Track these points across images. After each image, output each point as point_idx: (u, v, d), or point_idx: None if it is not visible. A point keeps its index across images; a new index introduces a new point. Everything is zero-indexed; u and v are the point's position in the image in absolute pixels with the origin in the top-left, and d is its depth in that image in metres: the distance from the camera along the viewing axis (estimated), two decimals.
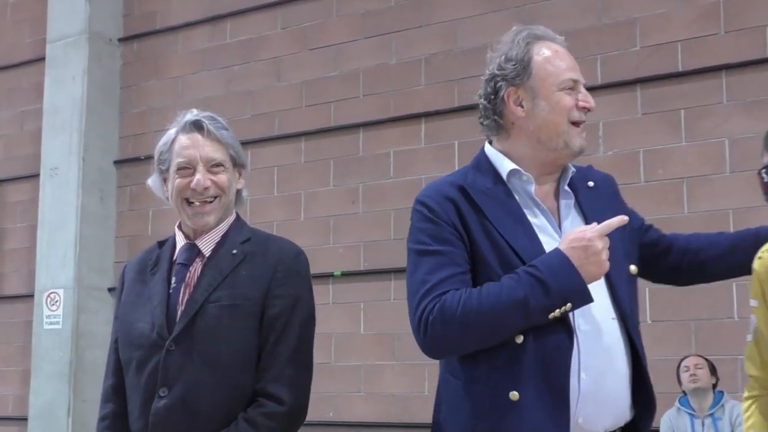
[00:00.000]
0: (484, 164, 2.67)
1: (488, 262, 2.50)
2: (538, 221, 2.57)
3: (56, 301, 7.29)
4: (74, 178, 7.34)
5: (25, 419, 7.35)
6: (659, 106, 5.58)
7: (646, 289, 5.34)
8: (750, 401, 2.68)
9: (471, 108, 5.80)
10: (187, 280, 2.73)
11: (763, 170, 2.55)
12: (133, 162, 7.49)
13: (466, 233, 2.53)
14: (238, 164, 2.83)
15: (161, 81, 7.48)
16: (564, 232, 2.53)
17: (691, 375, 5.19)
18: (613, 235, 2.52)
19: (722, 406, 5.14)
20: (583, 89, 2.58)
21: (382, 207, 6.18)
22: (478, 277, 2.51)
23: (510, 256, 2.48)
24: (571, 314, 2.43)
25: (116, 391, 2.78)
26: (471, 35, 6.00)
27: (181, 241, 2.82)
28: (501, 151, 2.64)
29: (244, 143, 7.02)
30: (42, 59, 7.77)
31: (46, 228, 7.42)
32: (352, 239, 6.30)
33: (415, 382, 5.87)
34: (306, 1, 6.86)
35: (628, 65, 5.67)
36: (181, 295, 2.71)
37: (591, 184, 2.68)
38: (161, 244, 2.90)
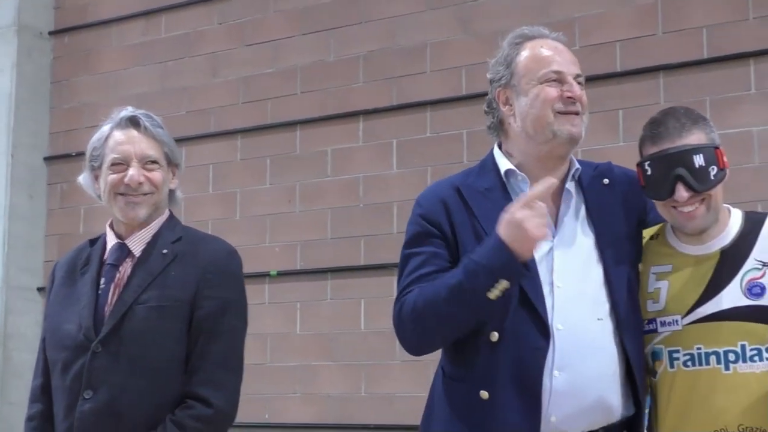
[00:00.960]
0: (488, 164, 2.74)
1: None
2: None
3: None
4: (2, 175, 7.23)
5: None
6: (598, 105, 5.61)
7: None
8: None
9: (409, 106, 5.83)
10: (116, 280, 2.73)
11: (646, 163, 2.62)
12: (64, 159, 7.38)
13: (453, 233, 2.59)
14: (172, 163, 2.82)
15: (93, 76, 7.38)
16: (561, 234, 2.55)
17: None
18: (615, 232, 2.54)
19: None
20: (570, 80, 2.62)
21: (320, 206, 6.17)
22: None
23: None
24: (549, 314, 2.45)
25: (44, 391, 2.78)
26: (409, 33, 6.00)
27: (111, 240, 2.82)
28: (504, 152, 2.69)
29: (179, 140, 6.94)
30: None
31: None
32: (289, 238, 6.27)
33: (351, 383, 5.86)
34: None
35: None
36: (110, 296, 2.71)
37: (606, 181, 2.70)
38: (92, 242, 2.90)
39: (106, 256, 2.81)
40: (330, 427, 5.88)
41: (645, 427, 2.68)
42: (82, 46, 7.49)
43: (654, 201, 2.68)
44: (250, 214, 6.53)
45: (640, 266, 2.72)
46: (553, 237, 2.59)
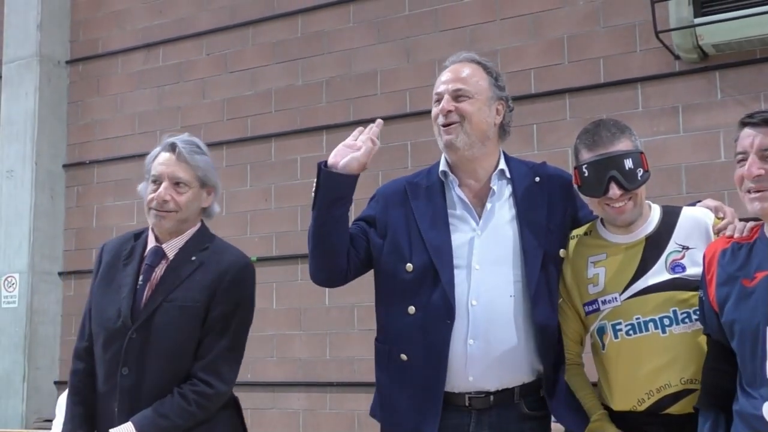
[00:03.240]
0: (435, 165, 2.72)
1: (402, 245, 2.53)
2: (459, 215, 2.57)
3: (13, 284, 7.11)
4: (28, 180, 7.18)
5: None
6: (516, 121, 5.59)
7: None
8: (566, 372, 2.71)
9: (363, 122, 5.79)
10: (151, 279, 2.74)
11: (583, 166, 2.60)
12: (79, 166, 7.32)
13: (386, 219, 2.58)
14: (207, 185, 2.80)
15: (103, 98, 7.30)
16: (484, 225, 2.54)
17: None
18: (539, 222, 2.53)
19: None
20: (444, 96, 2.61)
21: (291, 204, 6.15)
22: (392, 253, 2.57)
23: (419, 243, 2.51)
24: (465, 292, 2.45)
25: (87, 352, 2.79)
26: (363, 62, 5.99)
27: (151, 242, 2.83)
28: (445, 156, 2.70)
29: None
30: None
31: (4, 222, 7.23)
32: (266, 230, 6.25)
33: (318, 348, 5.84)
34: (226, 32, 6.77)
35: None
36: (145, 292, 2.72)
37: (537, 179, 2.68)
38: (137, 236, 2.89)
39: (145, 255, 2.79)
40: (300, 385, 5.86)
41: (559, 386, 2.64)
42: (94, 73, 7.40)
43: (589, 198, 2.65)
44: (233, 211, 6.50)
45: (576, 259, 2.67)
46: (477, 226, 2.57)
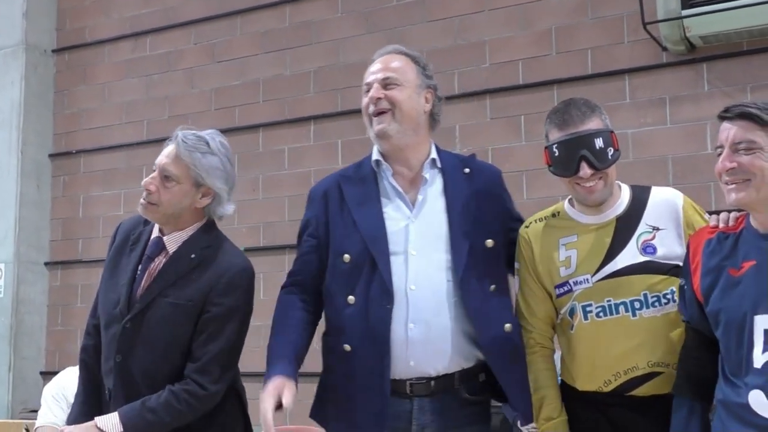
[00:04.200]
0: (368, 157, 2.72)
1: (338, 238, 2.56)
2: (392, 203, 2.59)
3: None
4: (14, 169, 7.13)
5: None
6: (504, 112, 5.65)
7: None
8: (530, 356, 2.71)
9: (351, 113, 5.80)
10: (150, 270, 2.71)
11: (554, 145, 2.60)
12: (65, 155, 7.27)
13: (325, 216, 2.61)
14: (202, 186, 2.75)
15: (90, 87, 7.25)
16: (417, 212, 2.56)
17: None
18: (467, 212, 2.54)
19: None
20: (374, 85, 2.63)
21: (278, 194, 6.14)
22: (330, 248, 2.62)
23: (354, 234, 2.54)
24: (404, 278, 2.47)
25: (96, 329, 2.81)
26: (351, 52, 5.99)
27: (155, 232, 2.81)
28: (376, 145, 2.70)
29: (162, 140, 6.86)
30: None
31: None
32: (254, 221, 6.24)
33: None
34: (215, 21, 6.74)
35: (479, 79, 5.72)
36: (142, 283, 2.71)
37: (467, 171, 2.69)
38: (147, 222, 2.87)
39: (147, 247, 2.78)
40: None
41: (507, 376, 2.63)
42: (81, 61, 7.36)
43: (559, 178, 2.65)
44: None
45: (546, 241, 2.68)
46: (411, 213, 2.59)
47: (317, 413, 2.68)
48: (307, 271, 2.68)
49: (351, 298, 2.51)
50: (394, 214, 2.57)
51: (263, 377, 2.57)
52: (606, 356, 2.54)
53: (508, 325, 2.58)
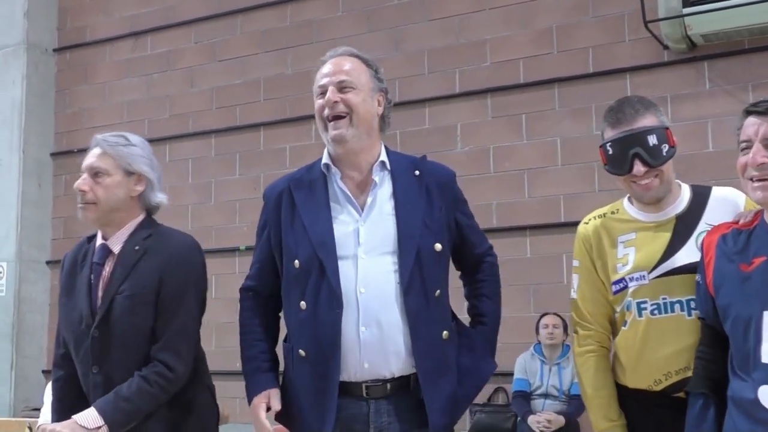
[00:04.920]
0: (319, 160, 2.70)
1: (288, 243, 2.56)
2: (341, 207, 2.58)
3: (0, 273, 7.08)
4: (16, 168, 7.14)
5: None
6: (505, 111, 5.64)
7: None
8: (585, 356, 2.67)
9: None
10: (102, 276, 2.73)
11: (607, 144, 2.56)
12: (66, 154, 7.29)
13: (278, 220, 2.60)
14: (133, 173, 2.76)
15: (90, 86, 7.27)
16: (366, 215, 2.54)
17: (549, 333, 5.20)
18: (415, 215, 2.53)
19: (567, 357, 5.17)
20: (330, 88, 2.59)
21: None
22: (281, 255, 2.59)
23: (304, 238, 2.52)
24: (353, 281, 2.45)
25: (65, 359, 2.80)
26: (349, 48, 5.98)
27: (99, 241, 2.83)
28: (329, 149, 2.67)
29: (163, 140, 6.90)
30: None
31: None
32: (254, 219, 6.16)
33: None
34: (215, 20, 6.75)
35: (481, 77, 5.72)
36: (99, 290, 2.72)
37: (417, 173, 2.66)
38: (90, 239, 2.88)
39: (93, 255, 2.80)
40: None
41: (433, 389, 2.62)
42: (81, 61, 7.37)
43: (616, 176, 2.62)
44: (222, 200, 6.49)
45: (604, 238, 2.65)
46: (360, 216, 2.58)
47: (281, 415, 2.68)
48: (264, 277, 2.68)
49: (303, 304, 2.50)
50: (343, 218, 2.55)
51: (245, 390, 2.62)
52: (658, 354, 2.49)
53: (446, 333, 2.57)
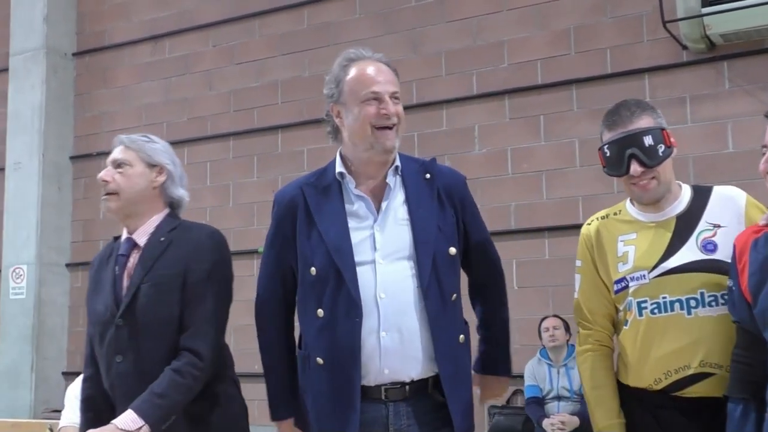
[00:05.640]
0: (330, 166, 2.68)
1: (304, 251, 2.55)
2: (357, 212, 2.57)
3: (21, 275, 7.13)
4: (35, 172, 7.20)
5: None
6: (523, 112, 5.63)
7: (513, 261, 5.41)
8: (584, 355, 2.69)
9: None
10: (128, 268, 2.76)
11: (605, 146, 2.59)
12: (86, 158, 7.34)
13: (293, 227, 2.60)
14: (155, 165, 2.83)
15: (109, 90, 7.31)
16: (382, 220, 2.54)
17: (550, 335, 5.21)
18: (429, 218, 2.53)
19: (574, 357, 5.16)
20: (387, 98, 2.57)
21: None
22: (298, 260, 2.57)
23: (320, 245, 2.52)
24: (372, 286, 2.45)
25: (94, 359, 2.83)
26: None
27: (124, 235, 2.84)
28: (342, 154, 2.65)
29: (181, 142, 6.93)
30: (6, 70, 7.55)
31: (12, 213, 7.25)
32: None
33: None
34: (233, 23, 6.77)
35: (498, 79, 5.71)
36: (124, 280, 2.75)
37: (428, 176, 2.66)
38: (116, 238, 2.93)
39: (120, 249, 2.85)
40: None
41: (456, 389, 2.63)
42: (100, 65, 7.42)
43: (616, 178, 2.64)
44: (240, 202, 6.51)
45: (606, 239, 2.66)
46: (375, 223, 2.57)
47: (299, 421, 2.69)
48: (277, 289, 2.68)
49: (320, 311, 2.50)
50: (359, 224, 2.55)
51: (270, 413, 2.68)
52: (658, 353, 2.50)
53: (462, 336, 2.58)
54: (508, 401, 5.56)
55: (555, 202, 5.48)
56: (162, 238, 2.76)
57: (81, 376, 3.87)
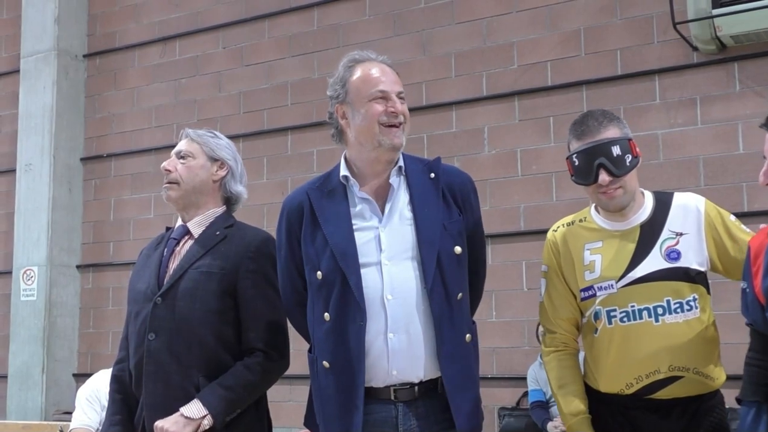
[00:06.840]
0: (336, 169, 2.70)
1: (310, 255, 2.56)
2: (362, 214, 2.58)
3: (32, 277, 7.16)
4: (46, 173, 7.23)
5: (5, 377, 7.20)
6: (532, 113, 5.63)
7: (523, 262, 5.41)
8: (550, 356, 2.79)
9: None
10: (176, 251, 2.85)
11: (573, 155, 2.65)
12: (96, 159, 7.36)
13: (300, 231, 2.61)
14: (216, 159, 2.95)
15: (120, 91, 7.34)
16: (387, 221, 2.55)
17: None
18: (433, 218, 2.54)
19: None
20: (394, 97, 2.59)
21: None
22: (305, 264, 2.60)
23: (325, 249, 2.53)
24: (380, 288, 2.46)
25: (127, 341, 2.89)
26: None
27: (178, 222, 2.94)
28: (346, 157, 2.67)
29: None
30: (17, 72, 7.59)
31: (23, 215, 7.28)
32: None
33: None
34: (243, 25, 6.79)
35: (508, 80, 5.71)
36: (169, 262, 2.83)
37: (432, 175, 2.67)
38: (168, 228, 3.01)
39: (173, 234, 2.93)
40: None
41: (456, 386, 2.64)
42: (111, 66, 7.44)
43: (583, 187, 2.68)
44: (250, 203, 6.45)
45: (571, 245, 2.72)
46: (380, 223, 2.58)
47: (308, 421, 2.70)
48: (298, 294, 2.69)
49: (326, 315, 2.51)
50: (363, 225, 2.56)
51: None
52: (629, 360, 2.59)
53: (468, 336, 2.59)
54: (518, 403, 5.56)
55: (565, 204, 5.47)
56: (218, 232, 2.85)
57: (91, 379, 3.91)
